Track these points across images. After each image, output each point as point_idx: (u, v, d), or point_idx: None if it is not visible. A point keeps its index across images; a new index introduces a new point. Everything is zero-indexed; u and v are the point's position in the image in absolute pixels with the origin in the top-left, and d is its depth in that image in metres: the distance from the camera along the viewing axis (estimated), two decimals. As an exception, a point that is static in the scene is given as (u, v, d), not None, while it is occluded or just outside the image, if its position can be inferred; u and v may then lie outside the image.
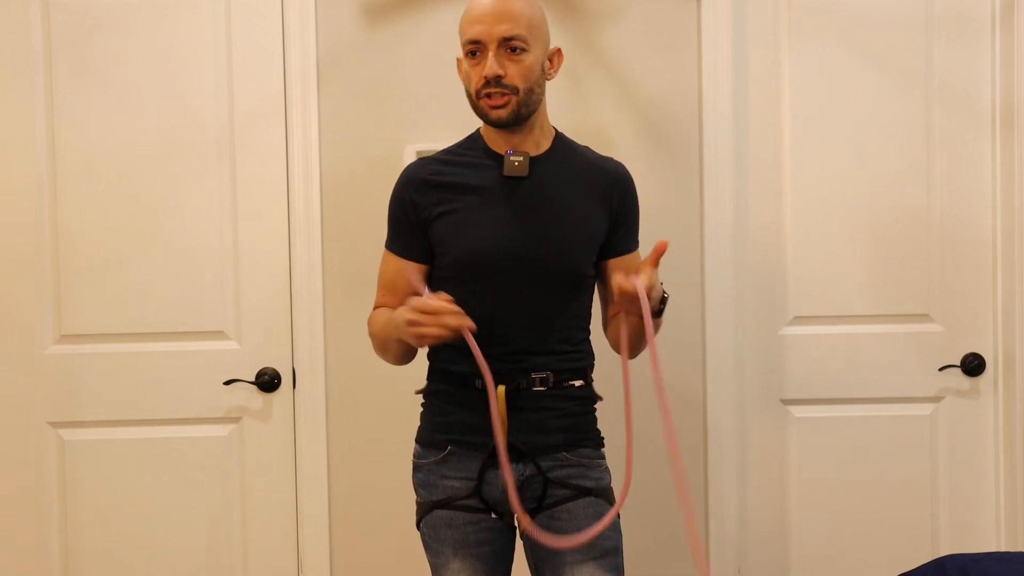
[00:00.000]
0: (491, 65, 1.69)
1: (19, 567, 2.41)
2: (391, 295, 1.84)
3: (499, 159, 1.78)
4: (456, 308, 1.62)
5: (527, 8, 1.73)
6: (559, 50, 1.82)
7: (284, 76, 2.38)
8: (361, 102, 2.39)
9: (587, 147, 1.89)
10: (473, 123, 1.85)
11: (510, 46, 1.70)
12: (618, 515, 1.80)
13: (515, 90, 1.71)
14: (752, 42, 2.43)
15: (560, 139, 1.86)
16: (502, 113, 1.72)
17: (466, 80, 1.76)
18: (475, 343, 1.63)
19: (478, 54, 1.72)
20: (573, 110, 2.36)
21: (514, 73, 1.71)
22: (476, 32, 1.70)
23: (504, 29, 1.69)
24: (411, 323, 1.62)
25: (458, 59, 1.81)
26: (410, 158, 2.35)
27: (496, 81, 1.70)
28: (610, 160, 1.88)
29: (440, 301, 1.62)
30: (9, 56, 2.37)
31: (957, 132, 2.44)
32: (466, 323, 1.62)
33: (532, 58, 1.73)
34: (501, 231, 1.75)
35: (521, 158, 1.76)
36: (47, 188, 2.38)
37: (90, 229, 2.38)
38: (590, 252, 1.81)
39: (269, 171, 2.39)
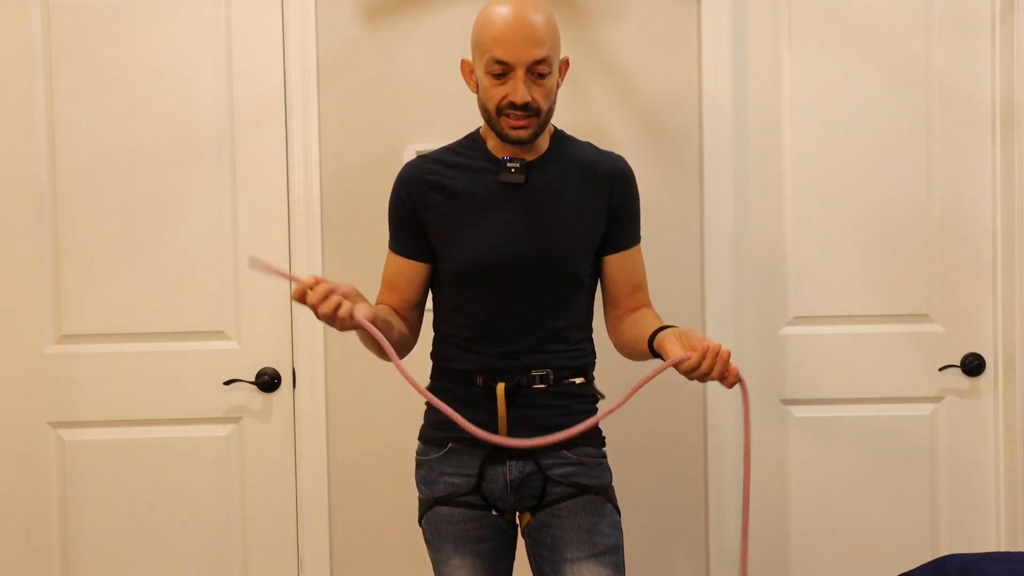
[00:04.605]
0: (523, 92, 1.67)
1: (19, 567, 2.40)
2: (389, 292, 1.85)
3: (498, 163, 1.78)
4: (320, 289, 1.53)
5: (550, 28, 1.70)
6: (567, 59, 1.81)
7: (284, 76, 2.38)
8: (361, 102, 2.40)
9: (588, 142, 1.89)
10: (473, 123, 1.85)
11: (537, 71, 1.68)
12: (619, 514, 1.81)
13: (538, 112, 1.70)
14: (752, 42, 2.43)
15: (559, 137, 1.85)
16: (523, 134, 1.71)
17: (485, 95, 1.72)
18: (369, 324, 1.57)
19: (503, 75, 1.68)
20: (573, 110, 2.36)
21: (539, 96, 1.69)
22: (503, 54, 1.66)
23: (534, 54, 1.66)
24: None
25: (464, 61, 1.79)
26: (410, 158, 2.35)
27: (523, 106, 1.69)
28: (610, 154, 1.87)
29: (306, 279, 1.54)
30: (9, 56, 2.37)
31: (957, 132, 2.44)
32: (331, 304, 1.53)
33: (553, 80, 1.72)
34: (497, 238, 1.75)
35: (517, 165, 1.76)
36: (47, 188, 2.38)
37: (90, 229, 2.38)
38: (587, 253, 1.81)
39: (269, 171, 2.39)
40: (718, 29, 2.39)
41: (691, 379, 1.58)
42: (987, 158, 2.45)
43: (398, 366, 1.57)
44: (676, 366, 1.58)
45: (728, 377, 1.57)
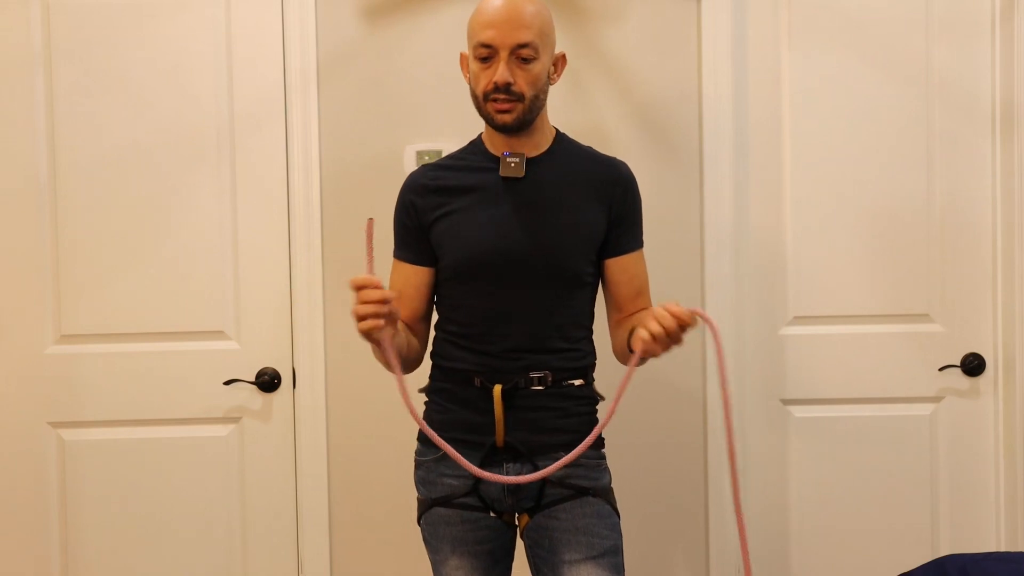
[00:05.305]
0: (502, 73, 1.70)
1: (19, 567, 2.40)
2: (397, 304, 1.84)
3: (497, 161, 1.80)
4: (379, 291, 1.52)
5: (539, 15, 1.73)
6: (563, 55, 1.84)
7: (284, 76, 2.38)
8: (361, 102, 2.40)
9: (590, 147, 1.90)
10: (473, 123, 1.86)
11: (521, 55, 1.71)
12: (618, 515, 1.81)
13: (521, 97, 1.73)
14: (752, 42, 2.43)
15: (560, 139, 1.86)
16: (507, 118, 1.74)
17: (473, 81, 1.76)
18: (390, 343, 1.56)
19: (489, 59, 1.72)
20: (573, 110, 2.36)
21: (523, 81, 1.72)
22: (489, 37, 1.71)
23: (518, 37, 1.70)
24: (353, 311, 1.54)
25: (462, 54, 1.82)
26: (410, 158, 2.36)
27: (505, 88, 1.71)
28: (612, 159, 1.88)
29: (368, 277, 1.52)
30: (9, 56, 2.36)
31: (957, 132, 2.44)
32: (379, 316, 1.52)
33: (540, 66, 1.74)
34: (496, 232, 1.76)
35: (517, 159, 1.78)
36: (47, 188, 2.37)
37: (90, 229, 2.38)
38: (586, 252, 1.81)
39: (269, 171, 2.39)
40: (718, 29, 2.39)
41: (669, 349, 1.56)
42: (987, 158, 2.45)
43: (408, 406, 1.57)
44: (644, 356, 1.58)
45: (682, 318, 1.54)
